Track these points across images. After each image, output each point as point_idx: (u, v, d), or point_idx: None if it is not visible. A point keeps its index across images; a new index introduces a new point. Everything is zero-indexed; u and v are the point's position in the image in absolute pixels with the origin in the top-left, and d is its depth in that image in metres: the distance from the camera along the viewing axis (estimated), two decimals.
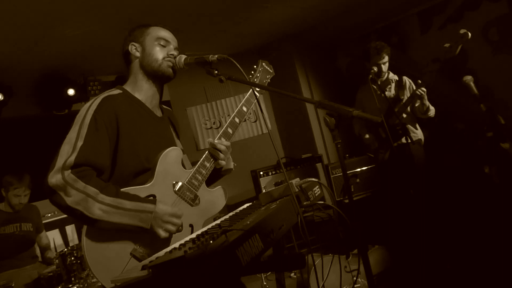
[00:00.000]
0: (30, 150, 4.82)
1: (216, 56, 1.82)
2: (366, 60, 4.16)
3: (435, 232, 3.81)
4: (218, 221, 1.79)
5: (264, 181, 4.90)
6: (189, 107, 6.08)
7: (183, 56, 1.95)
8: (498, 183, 4.00)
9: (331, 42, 6.29)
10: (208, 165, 1.97)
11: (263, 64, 2.29)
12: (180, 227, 1.81)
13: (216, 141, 1.99)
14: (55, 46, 4.31)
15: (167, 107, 2.22)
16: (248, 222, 1.44)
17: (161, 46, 1.96)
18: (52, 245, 4.25)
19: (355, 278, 3.26)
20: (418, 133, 4.15)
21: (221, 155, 1.99)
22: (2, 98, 4.68)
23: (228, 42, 5.70)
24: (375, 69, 3.98)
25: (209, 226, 1.72)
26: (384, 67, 4.06)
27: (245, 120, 6.19)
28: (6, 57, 4.32)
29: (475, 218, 4.24)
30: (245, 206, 2.11)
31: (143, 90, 1.97)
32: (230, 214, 1.96)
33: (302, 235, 1.69)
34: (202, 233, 1.51)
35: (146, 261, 1.29)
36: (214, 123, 6.20)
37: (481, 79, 4.77)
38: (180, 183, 1.88)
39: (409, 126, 4.06)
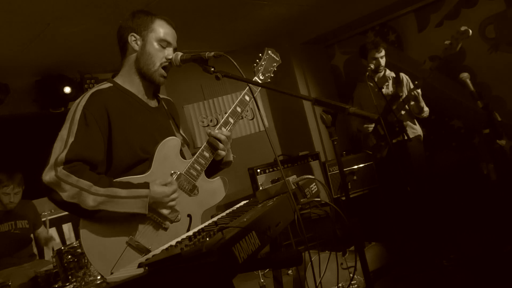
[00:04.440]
0: (26, 148, 4.81)
1: (213, 53, 1.82)
2: (363, 57, 4.16)
3: (432, 228, 3.82)
4: (215, 219, 1.79)
5: (261, 179, 4.90)
6: (186, 105, 6.07)
7: (180, 54, 1.94)
8: (495, 179, 4.01)
9: (328, 40, 6.28)
10: (207, 155, 1.97)
11: (269, 52, 2.27)
12: (178, 217, 1.85)
13: (216, 130, 1.99)
14: (51, 44, 4.29)
15: (166, 97, 2.19)
16: (245, 219, 1.44)
17: (161, 48, 1.93)
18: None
19: (351, 275, 3.27)
20: (417, 129, 4.16)
21: (221, 145, 1.98)
22: None
23: (225, 39, 5.69)
24: (372, 66, 3.99)
25: (206, 223, 1.72)
26: (382, 61, 4.07)
27: (242, 118, 6.19)
28: (3, 55, 4.30)
29: (472, 214, 4.25)
30: (242, 203, 2.11)
31: (135, 84, 1.96)
32: (227, 211, 1.96)
33: (299, 232, 1.69)
34: (198, 230, 1.51)
35: (142, 259, 1.29)
36: (211, 120, 6.19)
37: (478, 76, 4.78)
38: (178, 173, 1.89)
39: (408, 123, 4.07)
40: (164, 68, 1.94)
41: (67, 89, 5.04)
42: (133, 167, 1.83)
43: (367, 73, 3.87)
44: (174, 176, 1.87)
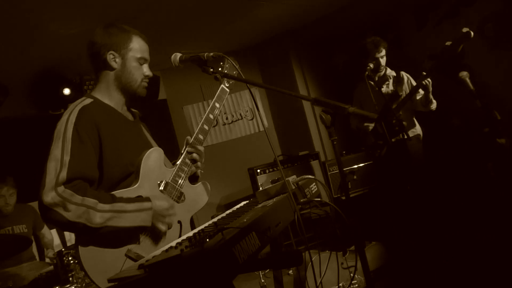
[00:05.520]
0: (26, 150, 4.80)
1: (212, 54, 1.83)
2: (363, 57, 4.14)
3: (432, 227, 3.82)
4: (215, 219, 1.79)
5: (261, 179, 4.89)
6: (186, 106, 6.08)
7: (178, 54, 1.95)
8: (495, 178, 4.01)
9: (327, 39, 6.28)
10: (189, 162, 2.02)
11: (229, 60, 2.30)
12: (170, 224, 1.86)
13: (199, 147, 2.05)
14: (50, 45, 4.28)
15: (135, 110, 2.22)
16: (245, 220, 1.44)
17: (139, 65, 1.98)
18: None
19: (352, 275, 3.27)
20: (416, 128, 4.15)
21: (201, 155, 2.05)
22: None
23: (224, 39, 5.69)
24: (371, 65, 3.97)
25: (206, 224, 1.72)
26: (382, 61, 4.05)
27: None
28: (2, 57, 4.30)
29: (472, 213, 4.25)
30: (242, 204, 2.11)
31: (114, 99, 1.98)
32: (227, 212, 1.96)
33: (299, 232, 1.69)
34: (198, 231, 1.51)
35: (143, 260, 1.29)
36: None
37: (477, 74, 4.77)
38: (164, 182, 1.92)
39: (407, 122, 4.05)
40: (144, 82, 2.02)
41: (67, 91, 5.03)
42: (122, 181, 1.85)
43: (367, 73, 3.86)
44: (161, 185, 1.91)
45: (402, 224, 4.08)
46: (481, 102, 3.65)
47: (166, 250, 1.32)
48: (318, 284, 2.78)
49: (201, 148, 2.05)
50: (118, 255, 1.70)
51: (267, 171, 4.96)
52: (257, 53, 6.44)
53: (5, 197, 3.90)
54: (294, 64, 6.10)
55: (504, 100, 4.70)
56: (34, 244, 4.26)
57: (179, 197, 1.96)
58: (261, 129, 6.36)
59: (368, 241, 3.91)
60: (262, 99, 6.55)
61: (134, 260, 1.71)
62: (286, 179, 1.84)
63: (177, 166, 1.98)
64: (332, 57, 6.45)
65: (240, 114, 6.37)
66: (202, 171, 2.18)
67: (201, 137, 2.08)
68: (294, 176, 2.06)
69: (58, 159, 1.68)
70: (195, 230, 1.61)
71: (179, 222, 1.94)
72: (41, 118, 5.17)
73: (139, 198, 1.76)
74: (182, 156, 2.01)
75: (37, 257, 4.29)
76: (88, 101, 1.89)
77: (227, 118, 6.29)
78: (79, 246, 1.66)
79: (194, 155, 2.02)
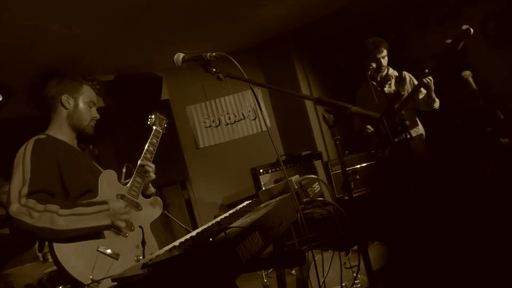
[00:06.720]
0: None
1: (214, 54, 1.84)
2: (364, 57, 4.14)
3: (434, 227, 3.82)
4: (218, 219, 1.79)
5: (263, 179, 4.90)
6: (188, 106, 6.08)
7: (181, 54, 1.95)
8: (497, 177, 3.99)
9: (329, 39, 6.28)
10: (140, 180, 2.33)
11: (157, 113, 2.65)
12: (133, 227, 2.15)
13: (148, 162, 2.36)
14: (53, 46, 4.29)
15: (84, 146, 2.52)
16: (248, 220, 1.44)
17: (89, 107, 2.33)
18: None
19: (355, 274, 3.26)
20: (419, 128, 4.14)
21: (151, 169, 2.35)
22: (1, 99, 4.66)
23: (226, 40, 5.69)
24: (374, 65, 3.97)
25: (209, 224, 1.72)
26: (384, 61, 4.05)
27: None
28: (5, 57, 4.31)
29: (474, 212, 4.24)
30: (244, 203, 2.12)
31: (66, 134, 2.28)
32: (230, 211, 1.97)
33: (302, 232, 1.69)
34: (202, 231, 1.51)
35: (146, 260, 1.29)
36: (213, 121, 6.20)
37: (479, 74, 4.76)
38: (121, 195, 2.20)
39: (410, 122, 4.04)
40: (92, 122, 2.35)
41: None
42: (83, 194, 2.11)
43: (369, 73, 3.85)
44: (119, 197, 2.18)
45: (404, 224, 4.08)
46: (484, 101, 3.65)
47: (170, 250, 1.33)
48: (321, 284, 2.78)
49: (151, 163, 2.36)
50: (91, 250, 1.92)
51: (270, 171, 4.96)
52: (259, 53, 6.44)
53: None
54: (296, 64, 6.10)
55: (507, 100, 4.69)
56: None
57: (137, 207, 2.25)
58: (264, 129, 6.36)
59: (371, 241, 3.91)
60: (265, 99, 6.56)
61: (106, 254, 1.94)
62: (289, 178, 1.85)
63: (131, 182, 2.28)
64: (334, 57, 6.44)
65: (243, 114, 6.37)
66: (154, 190, 2.52)
67: (148, 156, 2.40)
68: (297, 176, 2.07)
69: (20, 179, 1.91)
70: (198, 230, 1.62)
71: (140, 226, 2.21)
72: (43, 118, 5.17)
73: (97, 202, 2.02)
74: (135, 173, 2.31)
75: (40, 258, 4.30)
76: (42, 136, 2.18)
77: (229, 118, 6.29)
78: (53, 243, 1.85)
79: (146, 167, 2.33)
